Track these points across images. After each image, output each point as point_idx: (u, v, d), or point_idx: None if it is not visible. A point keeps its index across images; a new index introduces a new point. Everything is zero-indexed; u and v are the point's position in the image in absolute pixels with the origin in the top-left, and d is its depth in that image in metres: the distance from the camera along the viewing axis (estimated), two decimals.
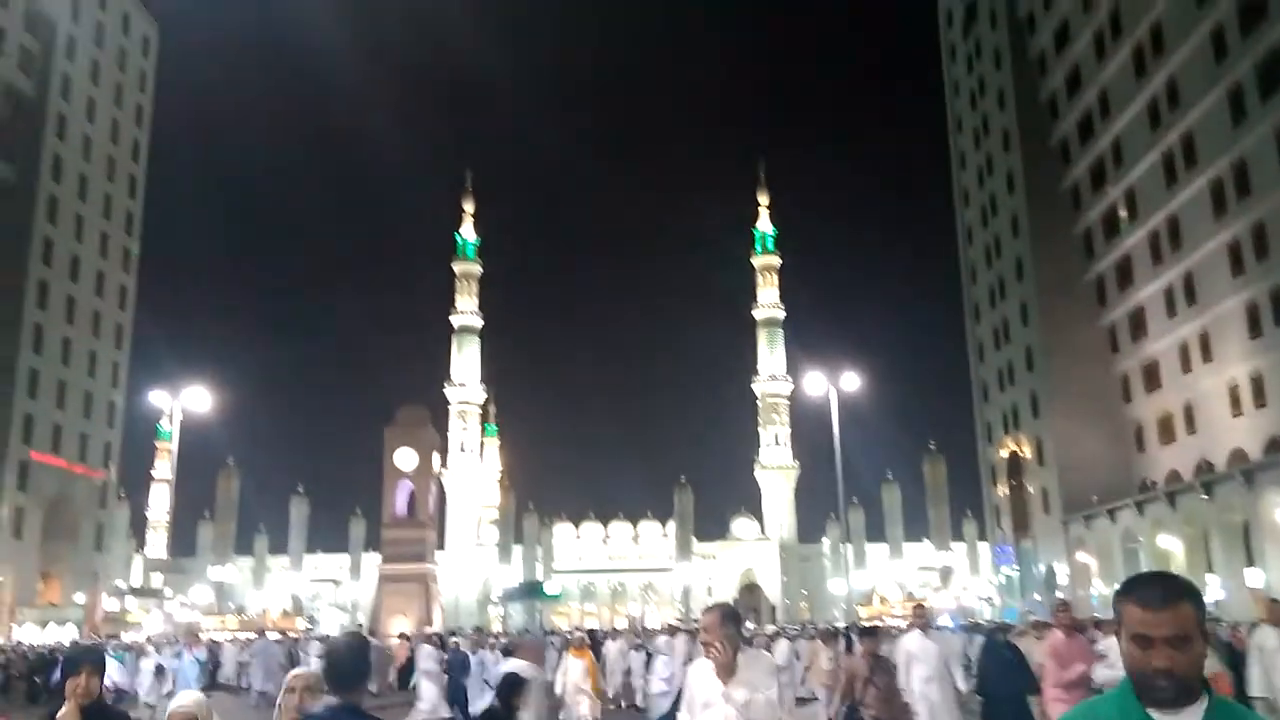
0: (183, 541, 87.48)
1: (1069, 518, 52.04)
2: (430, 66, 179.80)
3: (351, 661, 3.79)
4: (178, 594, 68.53)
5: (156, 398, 38.41)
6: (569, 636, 28.16)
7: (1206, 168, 42.63)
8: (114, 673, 23.37)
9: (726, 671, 4.94)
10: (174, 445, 41.08)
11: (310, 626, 58.12)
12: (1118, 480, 49.84)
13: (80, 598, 59.60)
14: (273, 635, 36.80)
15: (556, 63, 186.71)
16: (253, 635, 34.47)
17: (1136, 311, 50.25)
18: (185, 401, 36.61)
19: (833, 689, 15.73)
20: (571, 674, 14.34)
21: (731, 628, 4.91)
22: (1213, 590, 38.67)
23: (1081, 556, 51.16)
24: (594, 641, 27.92)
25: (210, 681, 31.56)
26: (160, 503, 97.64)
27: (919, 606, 11.99)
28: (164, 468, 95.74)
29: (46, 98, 60.27)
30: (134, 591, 69.27)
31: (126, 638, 38.32)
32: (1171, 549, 43.05)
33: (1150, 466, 49.60)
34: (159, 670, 23.02)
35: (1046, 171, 57.09)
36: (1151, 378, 49.28)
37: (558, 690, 14.12)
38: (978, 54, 66.07)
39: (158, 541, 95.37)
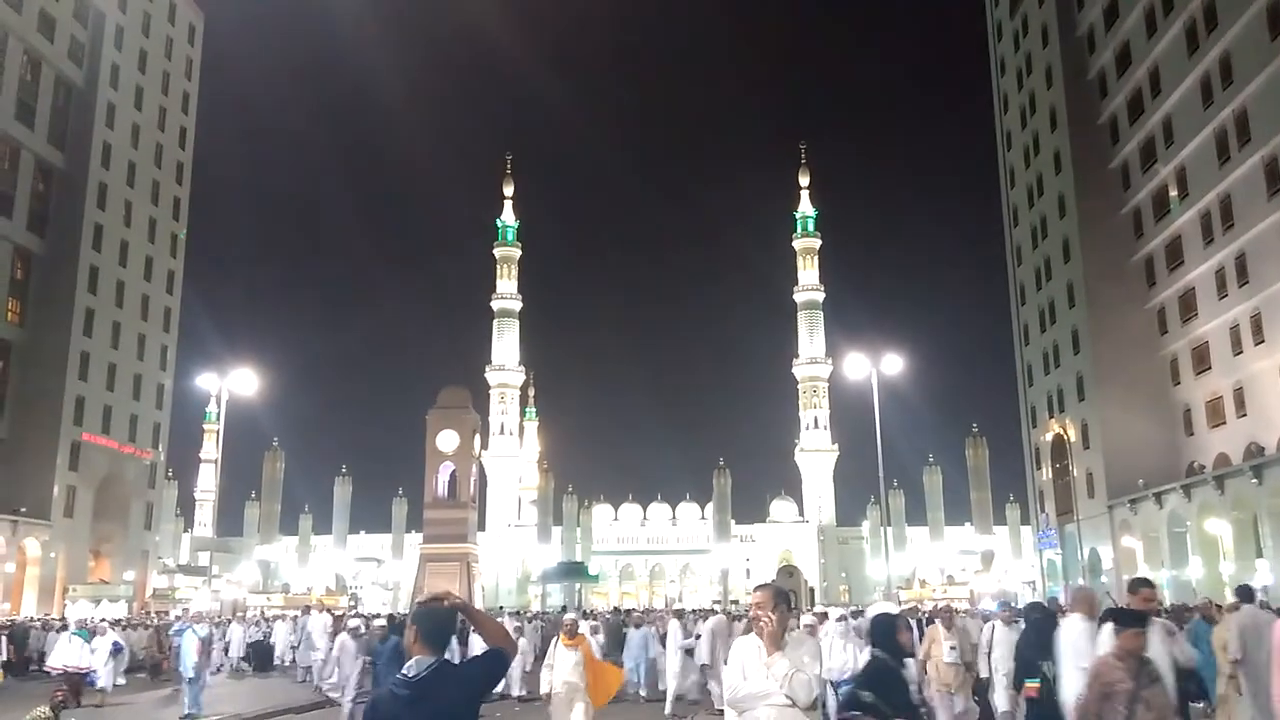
0: (229, 521, 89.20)
1: (1114, 502, 51.36)
2: (470, 51, 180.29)
3: (447, 623, 4.25)
4: (224, 572, 69.88)
5: (204, 380, 39.06)
6: (607, 617, 26.40)
7: (1260, 145, 41.62)
8: (72, 655, 20.16)
9: (773, 644, 5.06)
10: (220, 427, 41.76)
11: (353, 604, 58.97)
12: (1164, 464, 49.07)
13: (130, 575, 61.03)
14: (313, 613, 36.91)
15: (596, 45, 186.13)
16: (296, 613, 34.54)
17: (1186, 292, 49.30)
18: (232, 384, 37.19)
19: (956, 690, 12.19)
20: (560, 670, 11.33)
21: (781, 605, 5.13)
22: (1261, 576, 38.02)
23: (1127, 541, 50.50)
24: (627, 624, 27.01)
25: (259, 661, 31.90)
26: (207, 483, 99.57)
27: (1082, 588, 8.95)
28: (211, 448, 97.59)
29: (96, 87, 61.32)
30: (182, 569, 70.81)
31: (174, 614, 39.08)
32: (1219, 534, 42.35)
33: (1198, 450, 48.75)
34: (116, 649, 21.29)
35: (1094, 150, 56.06)
36: (1200, 359, 48.39)
37: (544, 689, 11.65)
38: (1024, 30, 64.93)
39: (205, 520, 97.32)
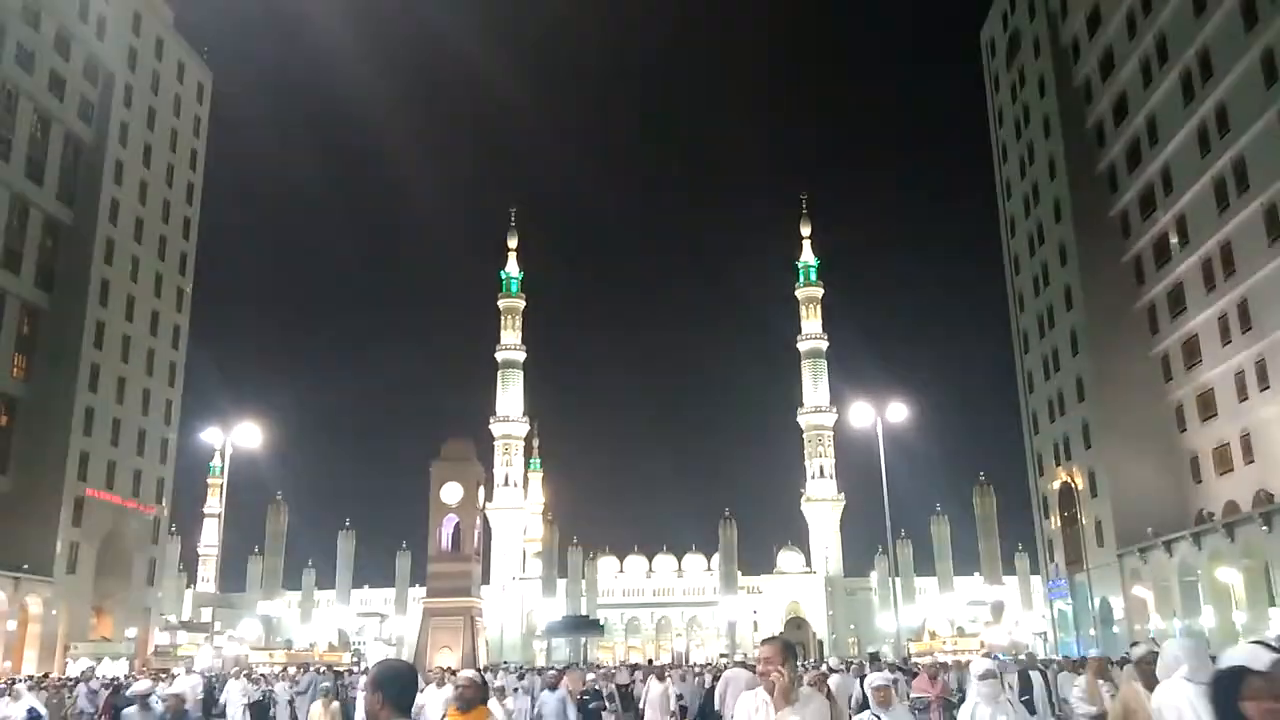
0: (232, 576, 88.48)
1: (1124, 550, 50.88)
2: (476, 106, 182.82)
3: (412, 684, 3.98)
4: (227, 628, 69.22)
5: (208, 435, 39.09)
6: (553, 669, 21.63)
7: (1259, 192, 41.89)
8: None
9: (783, 699, 5.03)
10: (224, 481, 41.75)
11: (356, 660, 58.31)
12: (1173, 511, 48.69)
13: (132, 632, 60.47)
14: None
15: (600, 97, 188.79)
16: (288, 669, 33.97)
17: (1189, 339, 49.30)
18: (236, 438, 37.21)
19: None
20: None
21: (790, 659, 5.14)
22: (1275, 624, 37.51)
23: (1138, 590, 49.93)
24: (629, 680, 25.65)
25: None
26: (210, 537, 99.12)
27: None
28: (215, 503, 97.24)
29: (105, 144, 62.15)
30: (184, 626, 70.13)
31: (177, 671, 38.65)
32: (1230, 582, 41.89)
33: (1207, 497, 48.40)
34: (32, 716, 20.28)
35: (1094, 199, 56.44)
36: (1206, 406, 48.23)
37: None
38: (1021, 82, 65.73)
39: (208, 576, 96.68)
